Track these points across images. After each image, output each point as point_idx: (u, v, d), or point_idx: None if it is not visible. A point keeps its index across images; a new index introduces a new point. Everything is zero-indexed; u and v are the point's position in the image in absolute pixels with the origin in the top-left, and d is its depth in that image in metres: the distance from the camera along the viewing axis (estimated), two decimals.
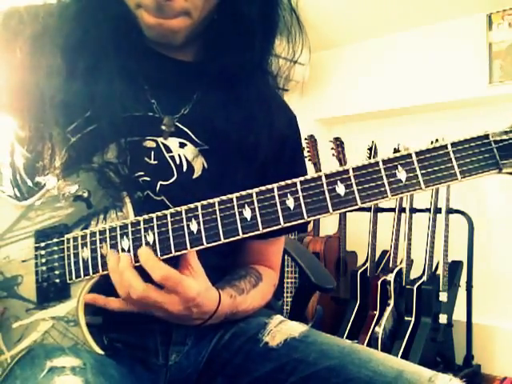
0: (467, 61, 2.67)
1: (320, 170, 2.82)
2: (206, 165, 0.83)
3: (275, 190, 0.65)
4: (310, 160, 2.85)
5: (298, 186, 0.64)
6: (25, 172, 0.82)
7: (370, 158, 2.72)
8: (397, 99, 2.92)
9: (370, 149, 2.76)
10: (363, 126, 3.20)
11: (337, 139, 2.88)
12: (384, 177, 0.61)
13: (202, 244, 0.68)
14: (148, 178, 0.79)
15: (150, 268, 0.69)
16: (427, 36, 2.81)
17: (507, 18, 2.56)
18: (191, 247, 0.68)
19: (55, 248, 0.75)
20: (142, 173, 0.79)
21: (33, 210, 0.78)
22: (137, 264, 0.70)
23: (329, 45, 3.14)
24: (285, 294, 2.51)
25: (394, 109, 2.95)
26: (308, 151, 2.87)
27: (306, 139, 2.88)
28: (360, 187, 0.62)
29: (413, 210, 2.65)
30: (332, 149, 2.87)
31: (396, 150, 2.57)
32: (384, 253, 2.77)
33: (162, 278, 0.68)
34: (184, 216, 0.68)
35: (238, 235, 0.66)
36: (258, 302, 0.88)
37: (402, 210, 2.69)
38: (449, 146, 0.60)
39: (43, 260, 0.76)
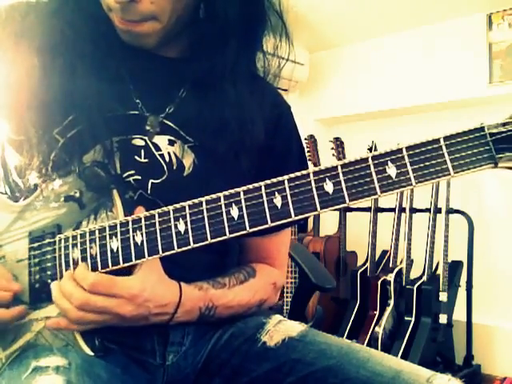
0: (467, 61, 2.67)
1: None
2: (196, 161, 0.82)
3: (263, 188, 0.64)
4: (309, 160, 2.85)
5: (286, 184, 0.63)
6: (16, 173, 0.82)
7: None
8: (397, 99, 2.92)
9: (370, 149, 2.76)
10: (363, 126, 3.20)
11: (337, 139, 2.88)
12: (373, 173, 0.59)
13: (189, 244, 0.66)
14: (139, 177, 0.78)
15: (80, 281, 0.68)
16: (427, 36, 2.81)
17: (507, 17, 2.56)
18: (178, 247, 0.67)
19: (48, 248, 0.75)
20: (133, 172, 0.78)
21: (28, 210, 0.78)
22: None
23: (328, 45, 3.14)
24: (285, 294, 2.51)
25: (393, 109, 2.95)
26: (308, 151, 2.86)
27: (305, 139, 2.88)
28: (348, 184, 0.60)
29: (413, 210, 2.65)
30: (332, 149, 2.87)
31: None
32: (384, 253, 2.76)
33: (91, 286, 0.67)
34: (172, 216, 0.67)
35: (225, 235, 0.65)
36: (247, 298, 0.85)
37: (402, 209, 2.68)
38: (441, 140, 0.57)
39: (36, 260, 0.76)
